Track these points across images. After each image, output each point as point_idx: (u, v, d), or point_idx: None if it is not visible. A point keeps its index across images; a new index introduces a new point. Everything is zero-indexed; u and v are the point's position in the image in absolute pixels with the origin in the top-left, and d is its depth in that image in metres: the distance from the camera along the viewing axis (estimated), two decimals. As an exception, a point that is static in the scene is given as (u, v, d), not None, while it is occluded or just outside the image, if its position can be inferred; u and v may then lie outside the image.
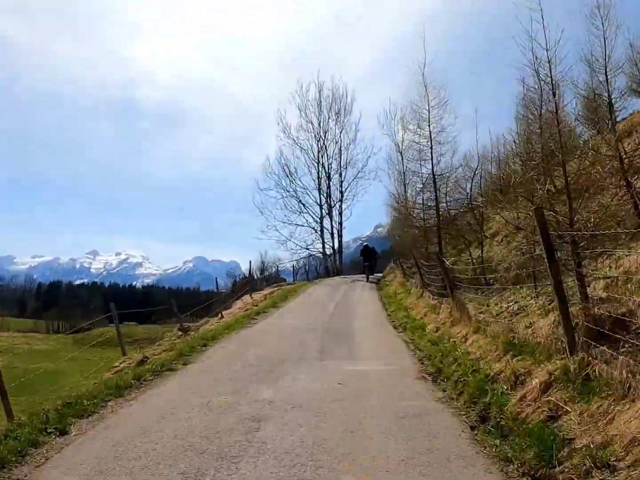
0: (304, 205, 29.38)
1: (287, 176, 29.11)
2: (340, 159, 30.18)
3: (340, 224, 30.25)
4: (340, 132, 29.66)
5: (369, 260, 19.31)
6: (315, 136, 29.68)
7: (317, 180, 29.82)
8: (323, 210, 29.66)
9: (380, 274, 20.61)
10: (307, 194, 29.78)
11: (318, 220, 29.31)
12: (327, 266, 28.22)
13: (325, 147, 29.76)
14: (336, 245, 29.60)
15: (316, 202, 29.89)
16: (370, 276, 18.85)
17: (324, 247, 29.00)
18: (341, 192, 30.45)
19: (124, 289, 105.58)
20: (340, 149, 30.02)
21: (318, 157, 29.77)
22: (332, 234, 29.77)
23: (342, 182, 30.39)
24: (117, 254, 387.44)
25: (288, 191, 28.91)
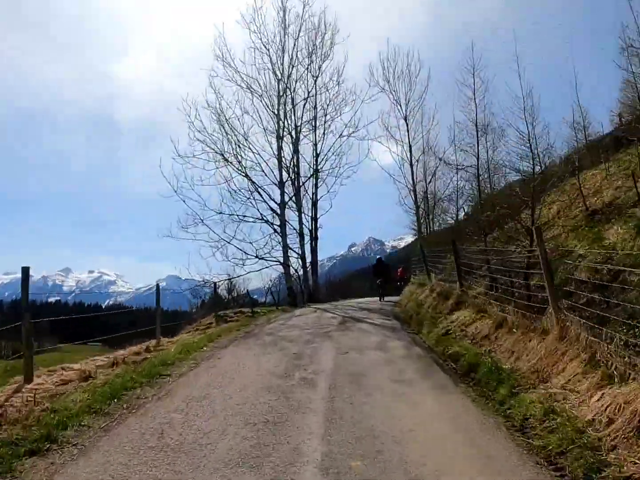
0: (253, 183, 17.85)
1: (226, 135, 17.30)
2: (316, 116, 19.22)
3: (315, 219, 19.56)
4: (317, 77, 18.89)
5: (383, 276, 16.46)
6: (275, 78, 18.53)
7: (276, 145, 18.29)
8: (285, 195, 18.48)
9: (397, 297, 15.94)
10: (258, 167, 18.03)
11: (277, 210, 18.23)
12: (292, 287, 17.99)
13: (292, 97, 18.73)
14: (308, 254, 19.33)
15: (274, 183, 18.38)
16: (385, 297, 16.07)
17: (286, 254, 18.00)
18: (315, 168, 19.39)
19: (89, 308, 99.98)
20: (315, 97, 19.02)
21: (278, 108, 18.33)
22: (300, 233, 18.89)
23: (317, 153, 19.39)
24: (90, 271, 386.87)
25: (227, 160, 17.36)
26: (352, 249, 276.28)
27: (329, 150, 19.46)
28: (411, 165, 20.23)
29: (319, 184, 19.81)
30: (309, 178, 19.41)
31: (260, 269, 17.96)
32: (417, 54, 29.01)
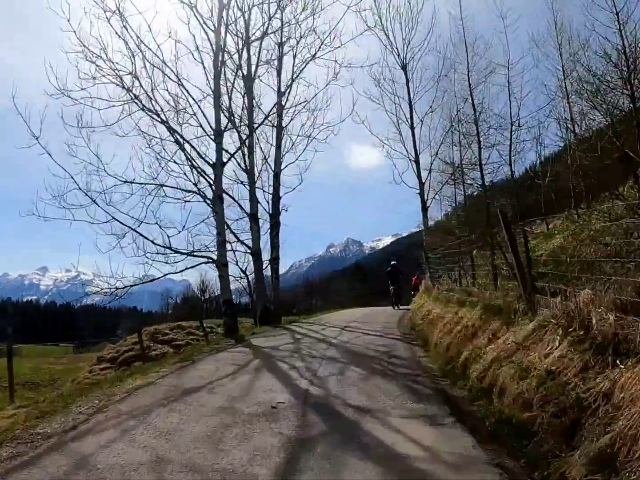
0: (174, 132, 11.28)
1: (132, 56, 10.64)
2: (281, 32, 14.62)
3: (276, 197, 14.81)
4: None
5: (397, 282, 15.88)
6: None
7: (212, 73, 11.69)
8: (225, 153, 12.40)
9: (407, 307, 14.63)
10: (182, 102, 11.64)
11: (209, 177, 11.76)
12: (231, 301, 12.12)
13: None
14: (263, 238, 14.68)
15: (208, 134, 11.99)
16: (399, 304, 15.85)
17: (222, 247, 11.52)
18: (279, 111, 14.90)
19: (61, 308, 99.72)
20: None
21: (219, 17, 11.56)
22: (251, 216, 13.82)
23: (281, 91, 15.10)
24: (67, 270, 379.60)
25: (134, 95, 10.54)
26: (331, 249, 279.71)
27: (299, 97, 15.44)
28: (412, 127, 16.77)
29: (283, 145, 15.45)
30: (265, 120, 14.27)
31: (183, 270, 11.25)
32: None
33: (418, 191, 17.33)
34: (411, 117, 17.14)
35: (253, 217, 14.24)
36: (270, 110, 14.80)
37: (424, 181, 17.27)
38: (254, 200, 14.26)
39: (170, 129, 11.26)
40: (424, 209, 17.31)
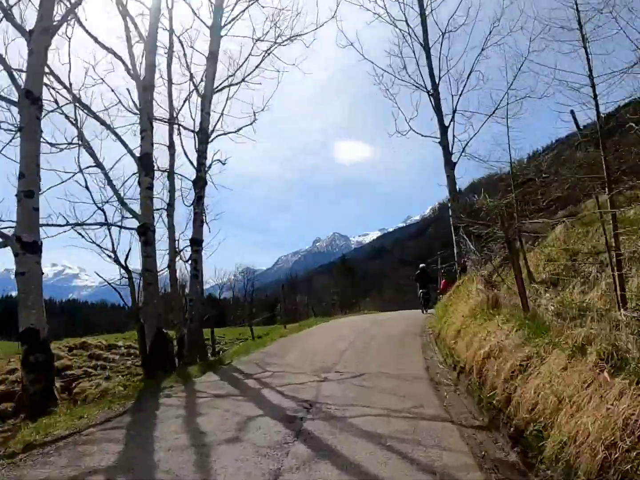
0: None
1: None
2: None
3: (204, 126, 9.28)
4: None
5: (426, 286, 15.15)
6: None
7: None
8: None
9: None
10: None
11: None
12: (29, 331, 5.21)
13: None
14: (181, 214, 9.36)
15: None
16: (428, 309, 14.55)
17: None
18: None
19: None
20: None
21: None
22: (141, 160, 7.59)
23: None
24: (53, 264, 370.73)
25: None
26: (317, 244, 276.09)
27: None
28: (426, 45, 11.30)
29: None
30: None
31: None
32: None
33: (437, 139, 11.37)
34: (425, 32, 11.44)
35: (142, 166, 7.73)
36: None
37: (447, 123, 11.28)
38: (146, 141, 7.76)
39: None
40: (449, 163, 11.08)
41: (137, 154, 7.93)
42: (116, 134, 8.53)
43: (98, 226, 8.41)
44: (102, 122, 8.58)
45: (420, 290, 14.90)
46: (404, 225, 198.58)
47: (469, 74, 11.08)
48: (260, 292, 77.91)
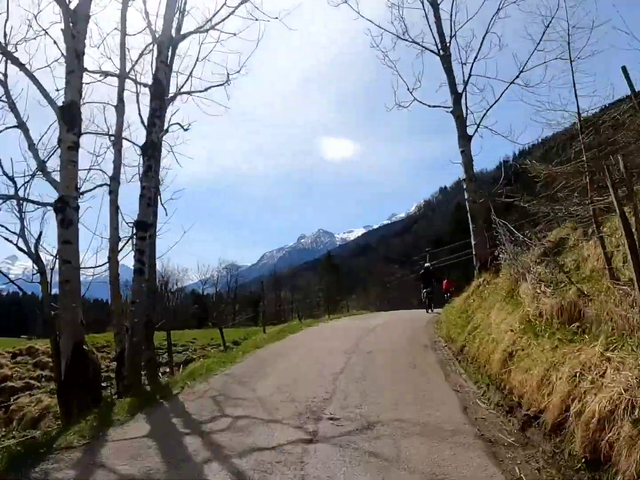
0: None
1: None
2: None
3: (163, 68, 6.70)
4: None
5: (430, 285, 14.76)
6: None
7: None
8: None
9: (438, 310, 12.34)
10: None
11: None
12: None
13: None
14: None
15: None
16: (433, 308, 14.17)
17: None
18: None
19: (24, 298, 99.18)
20: None
21: None
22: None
23: None
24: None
25: None
26: (302, 240, 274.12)
27: None
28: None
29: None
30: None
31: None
32: None
33: (448, 109, 9.53)
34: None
35: (67, 111, 5.60)
36: None
37: (460, 90, 9.44)
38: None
39: None
40: (464, 136, 9.21)
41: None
42: (32, 76, 6.31)
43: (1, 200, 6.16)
44: (17, 62, 6.36)
45: (424, 290, 14.63)
46: (389, 222, 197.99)
47: (485, 35, 9.21)
48: (244, 289, 75.63)
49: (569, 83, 4.96)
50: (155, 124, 6.87)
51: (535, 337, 3.91)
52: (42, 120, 7.96)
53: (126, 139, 8.48)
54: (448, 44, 9.66)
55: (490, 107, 8.98)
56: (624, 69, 4.77)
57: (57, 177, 6.19)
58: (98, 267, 8.08)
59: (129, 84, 8.98)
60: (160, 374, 8.49)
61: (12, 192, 6.91)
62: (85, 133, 7.41)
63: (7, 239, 6.53)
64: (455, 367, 5.65)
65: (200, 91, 8.68)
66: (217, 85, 8.82)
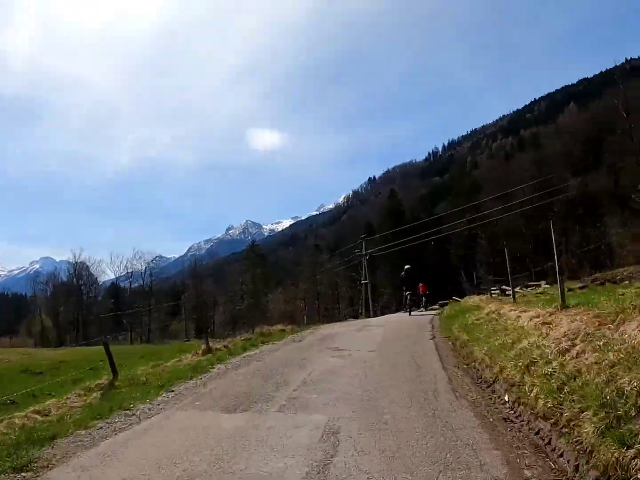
0: None
1: None
2: None
3: None
4: None
5: (413, 289, 14.25)
6: None
7: None
8: None
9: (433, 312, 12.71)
10: None
11: None
12: None
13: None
14: None
15: None
16: (419, 308, 14.30)
17: None
18: None
19: None
20: None
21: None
22: None
23: None
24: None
25: None
26: (230, 231, 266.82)
27: None
28: None
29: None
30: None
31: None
32: None
33: None
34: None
35: None
36: None
37: None
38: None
39: None
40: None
41: None
42: None
43: None
44: None
45: (407, 292, 14.35)
46: (318, 213, 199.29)
47: None
48: (168, 282, 70.48)
49: None
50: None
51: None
52: None
53: None
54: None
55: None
56: None
57: None
58: None
59: None
60: None
61: None
62: None
63: None
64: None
65: None
66: None
